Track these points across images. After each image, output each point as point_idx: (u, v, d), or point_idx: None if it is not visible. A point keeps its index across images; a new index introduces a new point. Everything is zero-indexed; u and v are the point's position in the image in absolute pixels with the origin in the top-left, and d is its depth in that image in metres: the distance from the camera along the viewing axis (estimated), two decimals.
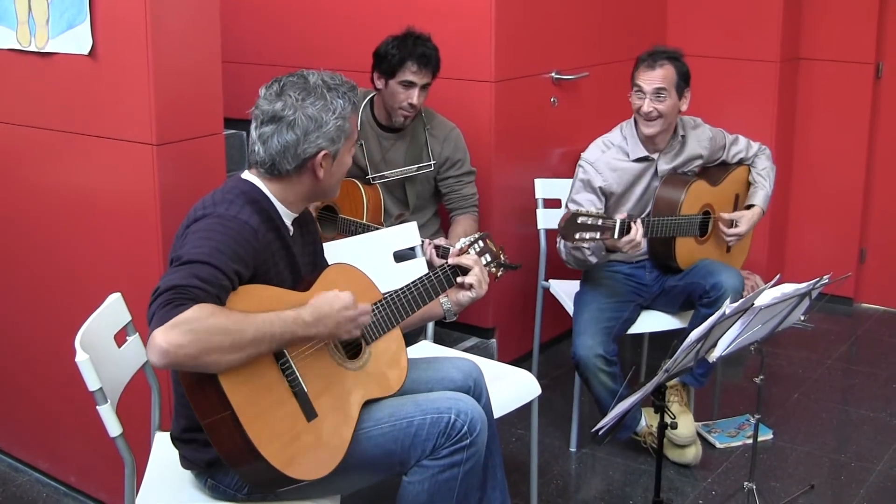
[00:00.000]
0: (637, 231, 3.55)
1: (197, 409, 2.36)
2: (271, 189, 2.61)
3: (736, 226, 4.07)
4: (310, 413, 2.46)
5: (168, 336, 2.18)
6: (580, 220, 3.46)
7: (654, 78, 3.83)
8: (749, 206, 4.16)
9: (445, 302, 3.00)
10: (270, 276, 2.53)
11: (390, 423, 2.61)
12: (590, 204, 3.86)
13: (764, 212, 4.17)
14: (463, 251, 3.02)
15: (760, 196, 4.16)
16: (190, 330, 2.20)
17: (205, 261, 2.32)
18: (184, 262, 2.33)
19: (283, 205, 2.62)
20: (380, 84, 3.99)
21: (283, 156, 2.56)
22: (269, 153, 2.57)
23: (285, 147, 2.56)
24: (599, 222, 3.48)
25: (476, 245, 3.08)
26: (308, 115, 2.55)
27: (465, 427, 2.61)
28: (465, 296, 2.98)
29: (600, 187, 3.90)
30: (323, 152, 2.58)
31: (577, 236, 3.47)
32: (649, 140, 3.93)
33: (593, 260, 3.81)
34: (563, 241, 3.83)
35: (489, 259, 3.09)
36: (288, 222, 2.65)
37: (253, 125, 2.61)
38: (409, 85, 3.93)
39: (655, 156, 3.95)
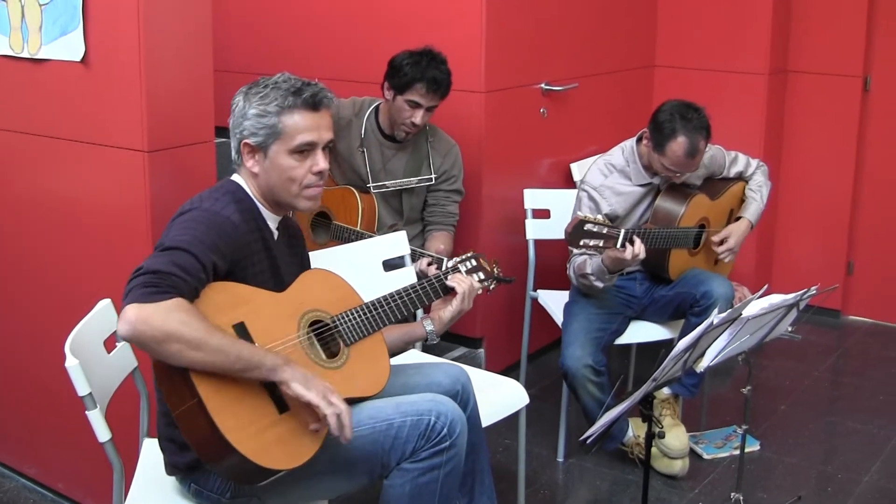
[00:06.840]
0: (639, 244, 3.57)
1: (168, 399, 2.40)
2: (250, 186, 2.67)
3: (725, 242, 4.09)
4: (282, 406, 2.46)
5: (141, 313, 2.25)
6: (587, 227, 3.48)
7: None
8: (738, 219, 4.19)
9: (428, 324, 3.01)
10: (248, 274, 2.56)
11: (370, 426, 2.61)
12: None
13: (753, 225, 4.19)
14: (454, 267, 3.04)
15: (751, 210, 4.19)
16: (163, 315, 2.26)
17: (185, 248, 2.39)
18: (165, 247, 2.40)
19: (262, 206, 2.67)
20: (388, 95, 3.98)
21: (231, 143, 2.68)
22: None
23: (231, 134, 2.67)
24: (605, 230, 3.51)
25: (467, 263, 3.09)
26: (239, 103, 2.66)
27: (445, 429, 2.61)
28: (448, 310, 2.99)
29: (606, 214, 3.92)
30: (243, 141, 2.64)
31: (581, 242, 3.49)
32: (651, 166, 3.95)
33: (599, 285, 3.81)
34: (572, 269, 3.89)
35: (482, 277, 3.09)
36: (272, 225, 2.70)
37: None
38: (416, 105, 3.92)
39: (657, 180, 3.97)
